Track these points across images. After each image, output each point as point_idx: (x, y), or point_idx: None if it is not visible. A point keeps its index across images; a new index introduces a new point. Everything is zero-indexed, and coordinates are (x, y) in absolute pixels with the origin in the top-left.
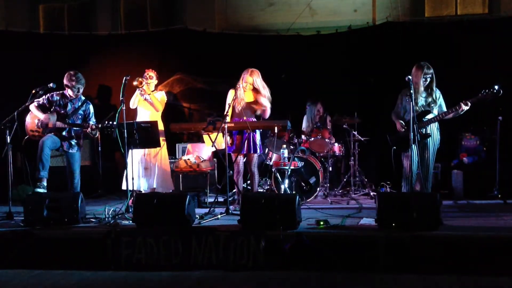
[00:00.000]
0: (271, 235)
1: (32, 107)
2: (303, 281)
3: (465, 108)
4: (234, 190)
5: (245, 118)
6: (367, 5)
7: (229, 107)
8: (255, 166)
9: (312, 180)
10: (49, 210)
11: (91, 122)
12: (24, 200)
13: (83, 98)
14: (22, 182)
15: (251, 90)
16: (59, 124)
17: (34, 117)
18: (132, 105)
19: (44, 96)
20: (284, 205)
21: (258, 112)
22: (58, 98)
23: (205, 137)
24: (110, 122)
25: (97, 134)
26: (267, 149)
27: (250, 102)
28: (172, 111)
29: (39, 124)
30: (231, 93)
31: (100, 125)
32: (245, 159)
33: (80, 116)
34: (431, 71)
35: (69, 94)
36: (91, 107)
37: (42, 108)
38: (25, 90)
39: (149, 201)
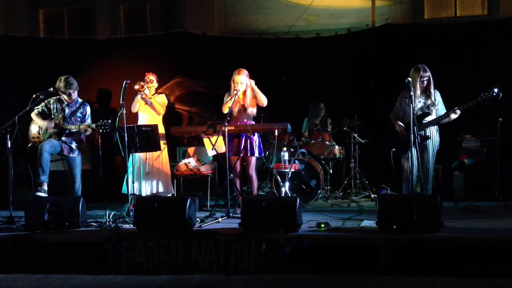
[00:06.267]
0: (272, 238)
1: (33, 115)
2: (304, 284)
3: (454, 117)
4: (234, 194)
5: (245, 120)
6: (366, 7)
7: (228, 111)
8: (253, 169)
9: (313, 182)
10: (50, 214)
11: (86, 123)
12: (25, 205)
13: (80, 100)
14: (23, 186)
15: (244, 91)
16: (57, 128)
17: (36, 123)
18: (133, 109)
19: (42, 103)
20: (285, 208)
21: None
22: (55, 103)
23: (206, 140)
24: (105, 120)
25: (89, 132)
26: (267, 152)
27: (245, 103)
28: (172, 115)
29: (39, 130)
30: (227, 97)
31: (94, 124)
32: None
33: (79, 119)
34: (428, 73)
35: (64, 98)
36: (88, 109)
37: (42, 115)
38: (25, 95)
39: (150, 205)
